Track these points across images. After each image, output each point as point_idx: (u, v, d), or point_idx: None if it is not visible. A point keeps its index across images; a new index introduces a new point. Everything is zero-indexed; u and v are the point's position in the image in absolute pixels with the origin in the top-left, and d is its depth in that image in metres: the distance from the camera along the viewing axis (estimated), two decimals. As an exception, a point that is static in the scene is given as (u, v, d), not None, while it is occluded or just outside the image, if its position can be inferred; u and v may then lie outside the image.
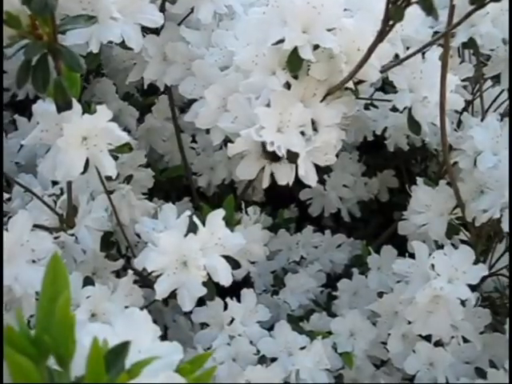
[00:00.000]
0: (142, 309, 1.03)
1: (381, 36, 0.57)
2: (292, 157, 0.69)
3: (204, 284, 0.66)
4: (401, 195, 1.09)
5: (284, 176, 0.69)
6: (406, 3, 0.50)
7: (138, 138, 1.05)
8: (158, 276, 0.67)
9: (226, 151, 0.95)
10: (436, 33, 0.82)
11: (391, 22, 0.56)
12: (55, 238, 0.73)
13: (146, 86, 0.83)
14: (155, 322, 1.01)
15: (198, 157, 1.07)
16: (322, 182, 1.09)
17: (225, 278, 0.67)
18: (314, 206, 1.12)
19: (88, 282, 0.72)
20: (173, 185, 1.13)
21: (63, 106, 0.57)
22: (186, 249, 0.65)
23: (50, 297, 0.34)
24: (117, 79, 1.05)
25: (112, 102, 1.05)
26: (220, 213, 0.68)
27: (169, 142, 1.07)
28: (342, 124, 0.75)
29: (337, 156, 1.11)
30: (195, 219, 0.66)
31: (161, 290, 0.66)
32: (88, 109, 0.63)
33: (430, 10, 0.47)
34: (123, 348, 0.34)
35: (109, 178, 0.86)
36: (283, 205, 1.15)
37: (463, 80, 0.91)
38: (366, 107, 0.99)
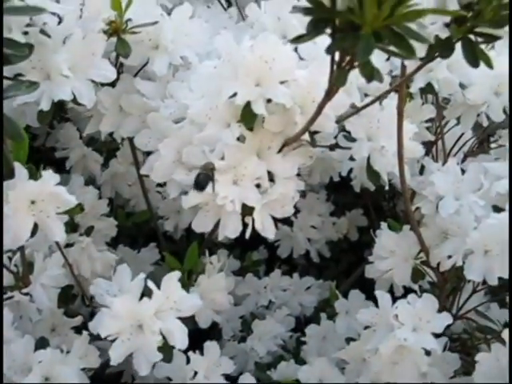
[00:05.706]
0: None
1: (328, 96, 0.56)
2: (247, 210, 0.68)
3: (161, 347, 0.64)
4: (370, 234, 1.08)
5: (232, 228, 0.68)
6: (349, 67, 0.49)
7: (102, 184, 1.04)
8: (113, 340, 0.65)
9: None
10: (395, 77, 0.82)
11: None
12: (8, 298, 0.71)
13: (103, 138, 0.82)
14: (121, 374, 1.00)
15: (165, 200, 1.06)
16: (289, 223, 1.08)
17: (181, 341, 0.65)
18: (283, 248, 1.10)
19: (43, 343, 0.70)
20: (139, 229, 1.11)
21: (7, 175, 0.56)
22: (141, 313, 0.63)
23: None
24: (81, 124, 1.04)
25: (76, 148, 1.04)
26: (175, 275, 0.67)
27: (134, 186, 1.06)
28: (306, 167, 0.74)
29: (304, 196, 1.12)
30: (150, 283, 0.65)
31: (116, 355, 0.65)
32: (35, 173, 0.61)
33: (370, 77, 0.46)
34: None
35: (68, 231, 0.85)
36: (252, 246, 1.14)
37: (426, 121, 0.91)
38: (331, 148, 0.98)
